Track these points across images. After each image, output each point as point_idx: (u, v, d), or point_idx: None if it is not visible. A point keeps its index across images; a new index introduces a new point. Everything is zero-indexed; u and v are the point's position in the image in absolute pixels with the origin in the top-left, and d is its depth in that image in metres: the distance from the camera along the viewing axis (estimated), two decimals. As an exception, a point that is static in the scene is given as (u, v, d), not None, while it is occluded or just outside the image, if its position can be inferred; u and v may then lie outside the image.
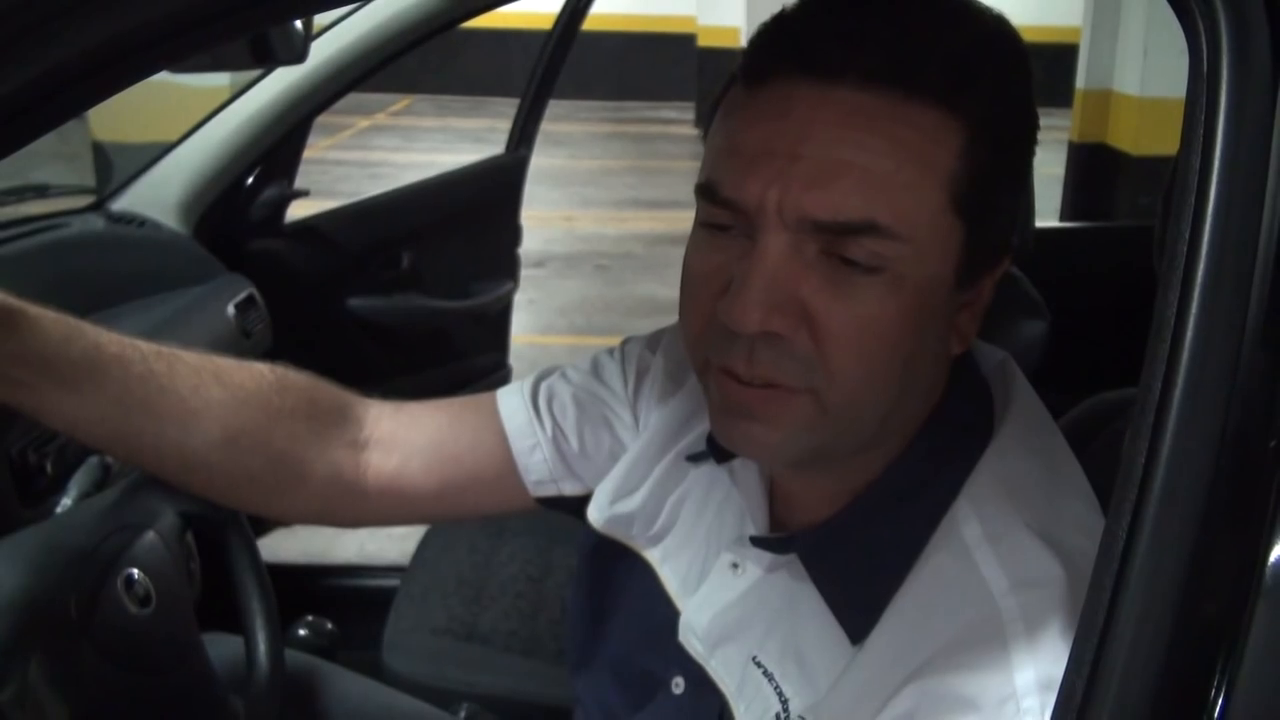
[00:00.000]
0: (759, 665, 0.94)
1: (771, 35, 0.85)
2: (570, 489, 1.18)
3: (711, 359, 0.87)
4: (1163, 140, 6.51)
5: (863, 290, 0.81)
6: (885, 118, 0.80)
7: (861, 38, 0.80)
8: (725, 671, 0.97)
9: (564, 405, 1.18)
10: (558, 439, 1.17)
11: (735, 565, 0.99)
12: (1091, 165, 7.53)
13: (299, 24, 1.55)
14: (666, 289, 6.59)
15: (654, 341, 1.18)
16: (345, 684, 1.53)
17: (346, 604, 2.25)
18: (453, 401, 1.22)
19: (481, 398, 1.21)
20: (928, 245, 0.82)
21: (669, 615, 1.04)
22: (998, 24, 0.85)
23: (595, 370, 1.19)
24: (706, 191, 0.85)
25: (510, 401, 1.19)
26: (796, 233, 0.80)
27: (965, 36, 0.82)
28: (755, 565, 0.98)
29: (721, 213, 0.84)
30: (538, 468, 1.18)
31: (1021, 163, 0.88)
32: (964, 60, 0.81)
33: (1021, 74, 0.86)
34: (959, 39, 0.82)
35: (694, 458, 1.06)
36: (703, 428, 1.06)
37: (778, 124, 0.81)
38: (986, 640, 0.80)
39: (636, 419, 1.16)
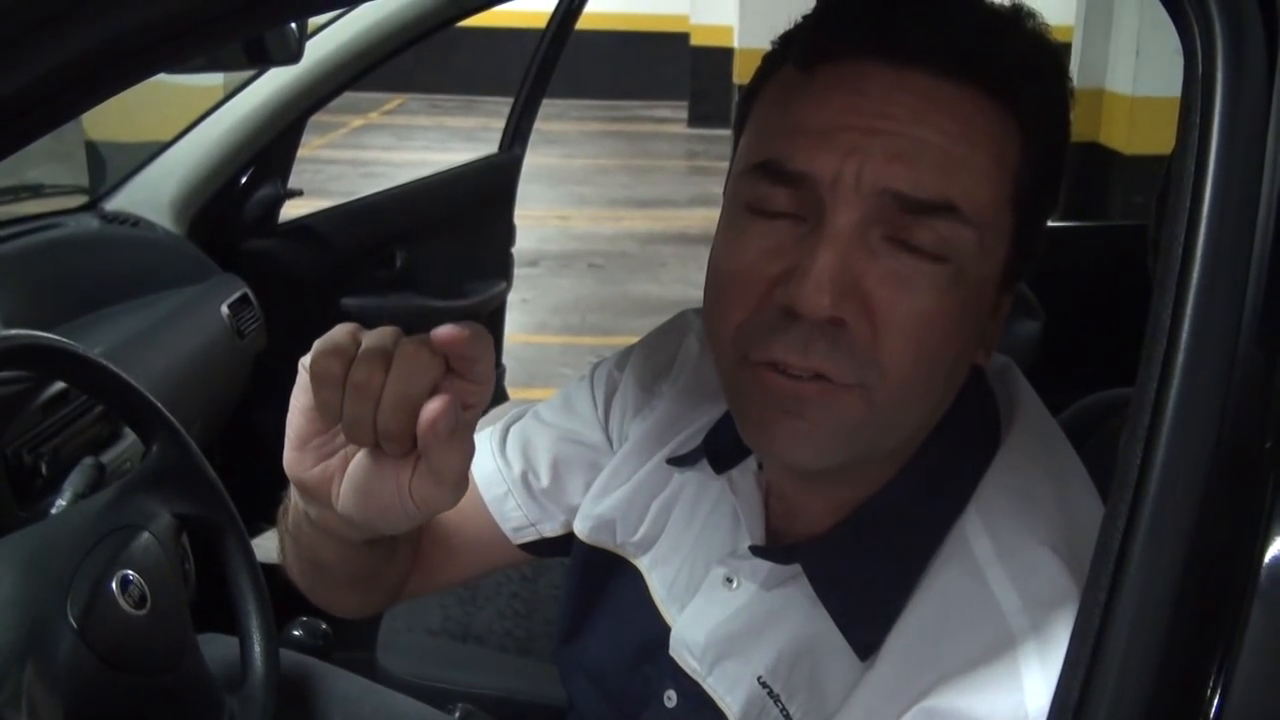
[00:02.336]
0: (764, 685, 0.92)
1: (837, 15, 0.85)
2: (549, 529, 1.16)
3: (752, 354, 0.83)
4: (1156, 139, 6.53)
5: (926, 281, 0.80)
6: (961, 105, 0.80)
7: (942, 24, 0.80)
8: (725, 690, 0.95)
9: (534, 443, 1.16)
10: (527, 478, 1.15)
11: (729, 580, 0.97)
12: (1084, 164, 7.54)
13: (294, 25, 1.55)
14: (660, 287, 6.60)
15: (621, 360, 1.16)
16: (340, 684, 1.53)
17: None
18: None
19: None
20: (991, 237, 0.82)
21: (658, 625, 1.02)
22: (1045, 33, 0.86)
23: (565, 402, 1.17)
24: (766, 169, 0.82)
25: (479, 451, 1.17)
26: (869, 210, 0.79)
27: (1027, 38, 0.84)
28: (750, 580, 0.96)
29: (783, 191, 0.82)
30: (513, 514, 1.16)
31: (1060, 170, 0.88)
32: (1026, 60, 0.83)
33: (1064, 85, 0.87)
34: (1023, 39, 0.83)
35: (677, 461, 1.04)
36: (686, 433, 1.05)
37: (851, 101, 0.80)
38: (998, 660, 0.79)
39: (610, 439, 1.14)
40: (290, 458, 0.80)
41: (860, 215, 0.79)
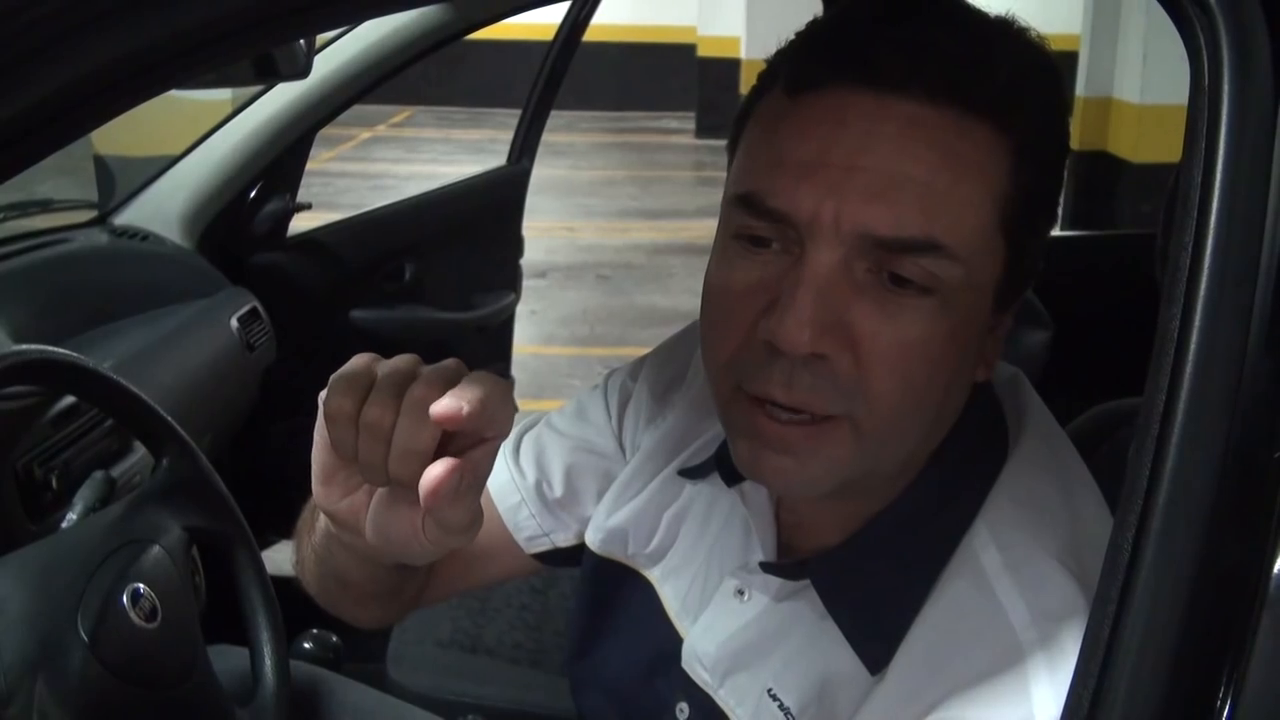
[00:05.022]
0: (774, 698, 0.92)
1: (822, 42, 0.84)
2: (563, 540, 1.17)
3: (744, 385, 0.83)
4: (1163, 147, 6.52)
5: (911, 312, 0.79)
6: (945, 132, 0.78)
7: (923, 50, 0.79)
8: (736, 702, 0.95)
9: (547, 452, 1.16)
10: (541, 488, 1.15)
11: (741, 592, 0.97)
12: (1092, 173, 7.54)
13: (302, 40, 1.55)
14: (668, 299, 6.60)
15: (635, 369, 1.16)
16: (350, 696, 1.53)
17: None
18: None
19: None
20: (978, 266, 0.81)
21: (670, 638, 1.02)
22: (1041, 45, 0.85)
23: (578, 411, 1.18)
24: (748, 202, 0.81)
25: None
26: (849, 248, 0.78)
27: (1016, 55, 0.82)
28: (762, 593, 0.96)
29: (764, 225, 0.81)
30: (526, 524, 1.16)
31: (1058, 186, 0.87)
32: (1016, 79, 0.81)
33: (1061, 99, 0.86)
34: (1011, 57, 0.82)
35: (689, 473, 1.05)
36: (697, 444, 1.05)
37: (833, 133, 0.79)
38: (1007, 673, 0.79)
39: (623, 448, 1.14)
40: (318, 491, 0.81)
41: (841, 255, 0.78)
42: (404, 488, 0.73)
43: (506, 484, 1.16)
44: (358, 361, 0.75)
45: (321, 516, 0.95)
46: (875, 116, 0.78)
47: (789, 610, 0.94)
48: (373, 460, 0.72)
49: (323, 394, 0.75)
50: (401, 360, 0.74)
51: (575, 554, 1.16)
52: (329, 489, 0.80)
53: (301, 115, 2.45)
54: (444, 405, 0.69)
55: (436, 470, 0.70)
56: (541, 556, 1.18)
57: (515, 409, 0.73)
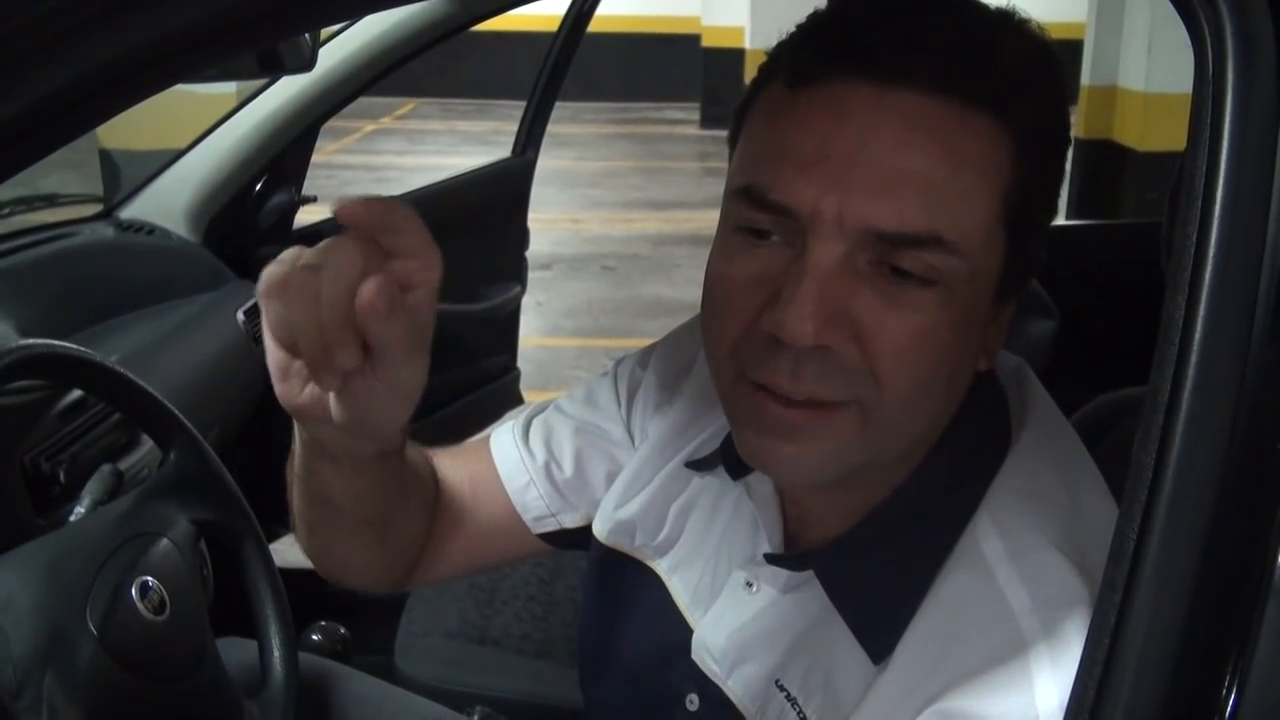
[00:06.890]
0: (782, 688, 0.92)
1: (822, 34, 0.84)
2: (570, 521, 1.17)
3: (747, 373, 0.83)
4: (1169, 136, 6.51)
5: (915, 302, 0.79)
6: (945, 124, 0.79)
7: (924, 41, 0.79)
8: (744, 693, 0.96)
9: (557, 434, 1.17)
10: (550, 469, 1.16)
11: (749, 584, 0.97)
12: (1097, 161, 7.52)
13: (306, 33, 1.55)
14: (673, 290, 6.59)
15: (645, 357, 1.17)
16: (359, 687, 1.53)
17: (359, 608, 2.25)
18: (454, 451, 1.21)
19: (478, 442, 1.21)
20: (980, 258, 0.81)
21: (681, 630, 1.03)
22: (1041, 35, 0.84)
23: (588, 396, 1.18)
24: (750, 195, 0.82)
25: (501, 441, 1.19)
26: (852, 242, 0.78)
27: (1017, 45, 0.82)
28: (770, 585, 0.96)
29: (766, 218, 0.81)
30: (534, 504, 1.17)
31: (1059, 176, 0.87)
32: (1016, 69, 0.81)
33: (1061, 87, 0.86)
34: (1011, 48, 0.82)
35: (695, 465, 1.05)
36: (704, 435, 1.06)
37: (834, 126, 0.79)
38: (1009, 661, 0.79)
39: (632, 435, 1.15)
40: (280, 390, 0.81)
41: (843, 249, 0.79)
42: (341, 346, 0.71)
43: (515, 464, 1.17)
44: (289, 250, 0.74)
45: (298, 438, 0.95)
46: (876, 109, 0.79)
47: (795, 601, 0.95)
48: (305, 321, 0.71)
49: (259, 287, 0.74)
50: (325, 240, 0.73)
51: (581, 536, 1.16)
52: (289, 384, 0.79)
53: (306, 108, 2.45)
54: (341, 203, 0.69)
55: (368, 285, 0.68)
56: (548, 537, 1.19)
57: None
